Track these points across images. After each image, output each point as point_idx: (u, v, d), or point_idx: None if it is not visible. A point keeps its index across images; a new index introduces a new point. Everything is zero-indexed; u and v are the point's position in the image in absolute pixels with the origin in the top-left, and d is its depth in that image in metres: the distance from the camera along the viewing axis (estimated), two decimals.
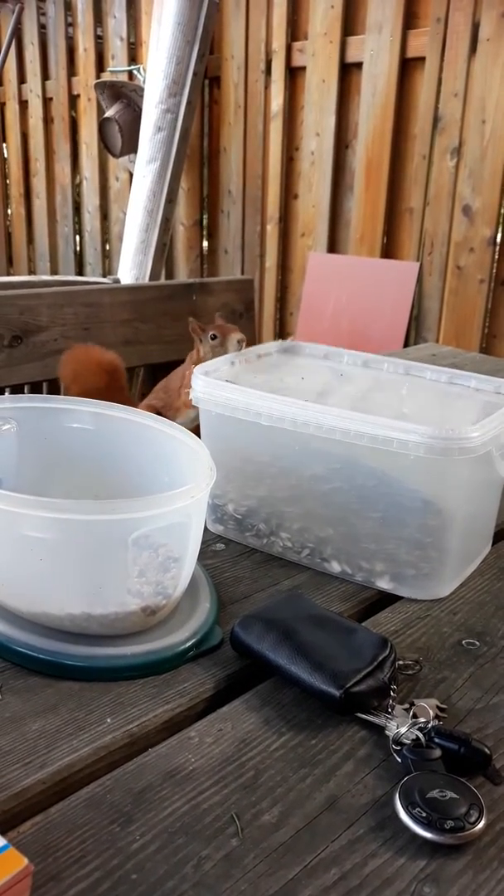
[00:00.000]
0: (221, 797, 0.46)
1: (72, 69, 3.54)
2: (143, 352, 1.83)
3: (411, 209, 2.37)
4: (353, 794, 0.46)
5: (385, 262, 2.44)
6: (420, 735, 0.49)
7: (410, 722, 0.50)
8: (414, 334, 2.40)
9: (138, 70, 3.11)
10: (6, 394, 1.69)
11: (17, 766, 0.47)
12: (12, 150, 4.08)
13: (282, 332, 2.88)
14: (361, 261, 2.50)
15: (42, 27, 3.65)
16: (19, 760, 0.47)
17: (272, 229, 2.80)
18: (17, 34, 3.67)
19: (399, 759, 0.49)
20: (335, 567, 0.70)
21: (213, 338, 1.07)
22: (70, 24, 3.49)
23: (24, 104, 3.91)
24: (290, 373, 0.84)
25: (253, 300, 2.13)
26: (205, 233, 3.15)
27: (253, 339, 2.14)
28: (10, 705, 0.52)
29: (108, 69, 3.28)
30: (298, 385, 0.81)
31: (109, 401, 0.75)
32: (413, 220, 2.37)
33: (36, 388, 1.70)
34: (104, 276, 3.56)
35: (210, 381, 0.71)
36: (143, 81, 2.91)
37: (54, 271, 3.95)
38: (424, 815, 0.43)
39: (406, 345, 2.36)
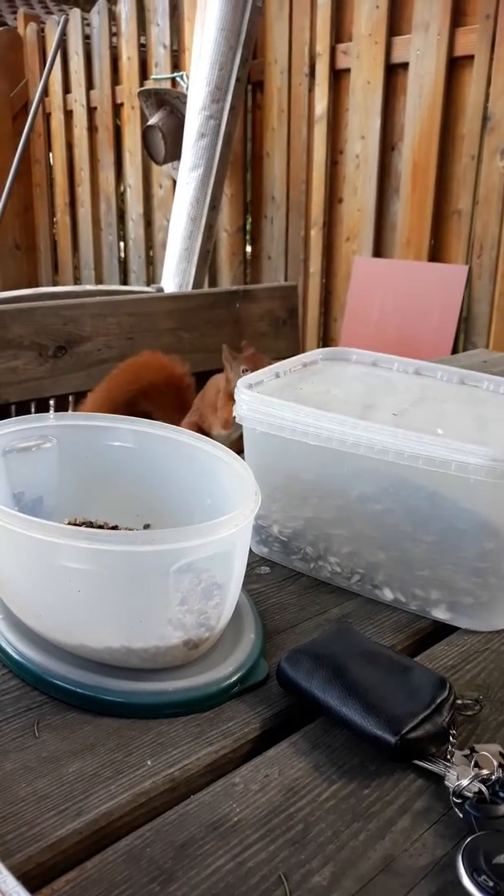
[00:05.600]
0: (268, 854, 0.42)
1: (115, 78, 3.57)
2: (186, 361, 1.82)
3: (459, 211, 2.31)
4: (411, 853, 0.43)
5: (432, 266, 2.38)
6: (483, 788, 0.45)
7: (473, 773, 0.46)
8: (463, 339, 2.34)
9: (181, 77, 3.11)
10: (51, 403, 1.69)
11: (53, 813, 0.44)
12: (57, 159, 4.13)
13: (326, 338, 2.84)
14: (408, 265, 2.45)
15: (87, 38, 3.68)
16: (55, 807, 0.45)
17: (316, 234, 2.77)
18: (63, 45, 3.71)
19: (461, 815, 0.45)
20: (388, 595, 0.66)
21: (244, 372, 1.06)
22: (114, 34, 3.51)
23: (69, 114, 3.95)
24: (337, 384, 0.81)
25: (296, 307, 2.10)
26: (248, 238, 3.13)
27: (297, 346, 2.11)
28: (46, 744, 0.50)
29: (152, 77, 3.29)
30: (346, 399, 0.78)
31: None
32: (461, 223, 2.31)
33: (80, 398, 1.69)
34: (148, 283, 3.57)
35: (255, 398, 0.68)
36: (187, 88, 2.91)
37: (99, 279, 3.97)
38: (491, 884, 0.39)
39: (455, 351, 2.30)
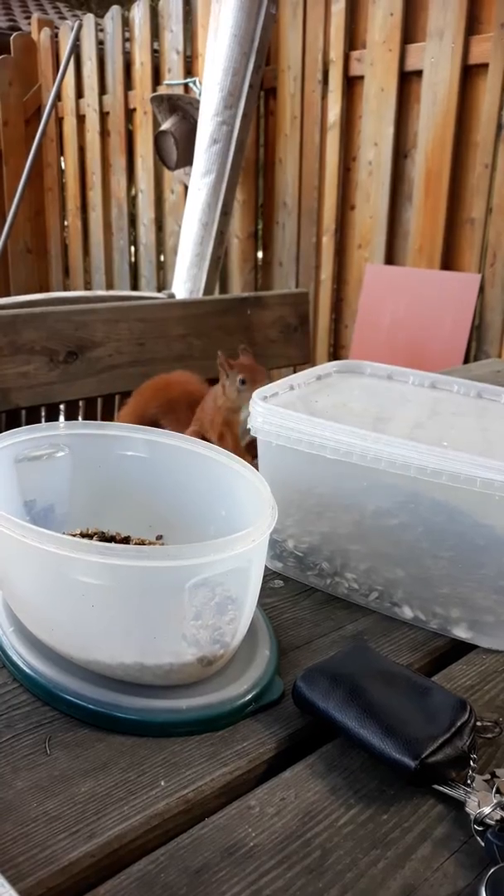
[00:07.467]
0: (285, 882, 0.41)
1: (128, 83, 3.57)
2: (196, 367, 1.80)
3: (472, 219, 2.30)
4: (432, 883, 0.42)
5: (445, 274, 2.37)
6: None
7: (495, 801, 0.45)
8: (475, 348, 2.33)
9: (194, 83, 3.11)
10: (61, 408, 1.68)
11: (65, 835, 0.43)
12: (70, 163, 4.14)
13: (336, 345, 2.83)
14: (420, 272, 2.43)
15: (100, 43, 3.69)
16: (67, 828, 0.44)
17: (328, 241, 2.76)
18: (76, 50, 3.72)
19: (482, 843, 0.44)
20: (407, 612, 0.65)
21: (242, 383, 1.06)
22: (127, 40, 3.52)
23: (81, 118, 3.96)
24: (352, 398, 0.80)
25: (308, 314, 2.09)
26: (259, 244, 3.13)
27: (307, 353, 2.10)
28: (58, 762, 0.49)
29: (165, 82, 3.30)
30: (363, 412, 0.77)
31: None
32: (475, 231, 2.30)
33: (91, 404, 1.69)
34: (159, 288, 3.57)
35: (272, 410, 0.67)
36: (199, 94, 2.91)
37: (109, 283, 3.98)
38: None
39: (467, 360, 2.28)
